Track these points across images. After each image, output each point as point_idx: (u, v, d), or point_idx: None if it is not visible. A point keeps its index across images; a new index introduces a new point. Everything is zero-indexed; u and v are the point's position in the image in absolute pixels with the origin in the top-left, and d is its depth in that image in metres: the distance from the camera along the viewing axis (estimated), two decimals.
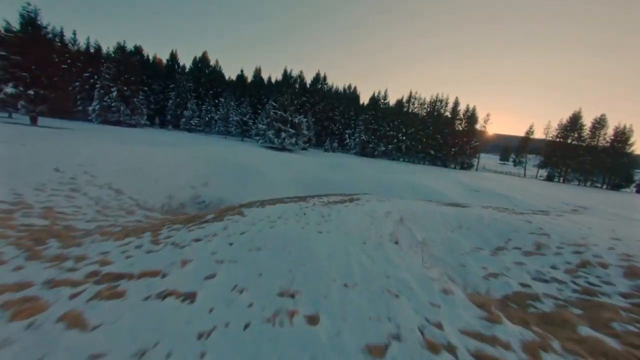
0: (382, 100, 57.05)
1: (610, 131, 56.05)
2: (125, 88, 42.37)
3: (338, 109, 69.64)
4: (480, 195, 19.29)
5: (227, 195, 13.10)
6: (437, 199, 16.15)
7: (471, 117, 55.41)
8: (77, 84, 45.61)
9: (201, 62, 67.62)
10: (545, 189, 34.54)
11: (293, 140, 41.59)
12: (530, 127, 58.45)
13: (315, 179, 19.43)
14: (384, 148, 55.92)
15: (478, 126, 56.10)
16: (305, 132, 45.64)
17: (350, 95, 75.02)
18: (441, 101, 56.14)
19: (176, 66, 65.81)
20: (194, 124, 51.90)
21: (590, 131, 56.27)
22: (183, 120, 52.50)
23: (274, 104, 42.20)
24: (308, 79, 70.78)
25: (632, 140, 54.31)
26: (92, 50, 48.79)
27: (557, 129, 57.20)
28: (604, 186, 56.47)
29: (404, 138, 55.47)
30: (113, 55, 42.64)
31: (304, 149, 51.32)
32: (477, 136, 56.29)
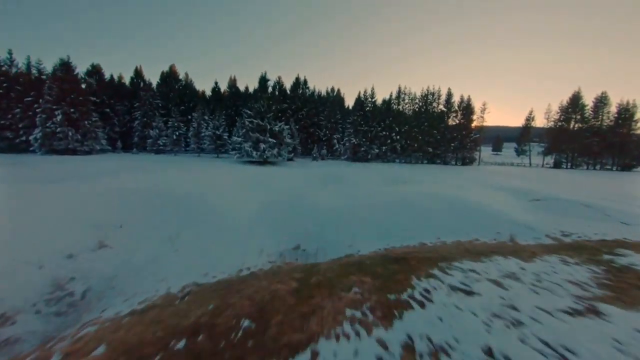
0: (370, 99, 52.32)
1: (613, 109, 52.56)
2: (72, 110, 36.12)
3: (323, 113, 64.74)
4: (551, 208, 13.64)
5: (130, 273, 7.25)
6: (503, 223, 10.76)
7: (467, 108, 51.11)
8: (18, 110, 39.13)
9: (169, 77, 61.90)
10: (585, 180, 29.79)
11: (275, 151, 36.00)
12: (530, 113, 54.62)
13: (300, 206, 13.72)
14: (377, 150, 50.86)
15: (475, 117, 51.81)
16: (289, 140, 40.15)
17: (335, 99, 70.35)
18: (433, 94, 51.77)
19: (141, 83, 59.83)
20: (161, 144, 45.75)
21: (592, 111, 52.70)
22: (149, 140, 46.31)
23: (249, 112, 36.69)
24: (288, 85, 65.79)
25: (637, 116, 50.81)
26: (34, 71, 42.50)
27: (558, 112, 53.47)
28: (614, 168, 52.67)
29: (398, 137, 50.60)
30: (55, 73, 36.45)
31: (289, 159, 45.74)
32: (475, 128, 51.95)
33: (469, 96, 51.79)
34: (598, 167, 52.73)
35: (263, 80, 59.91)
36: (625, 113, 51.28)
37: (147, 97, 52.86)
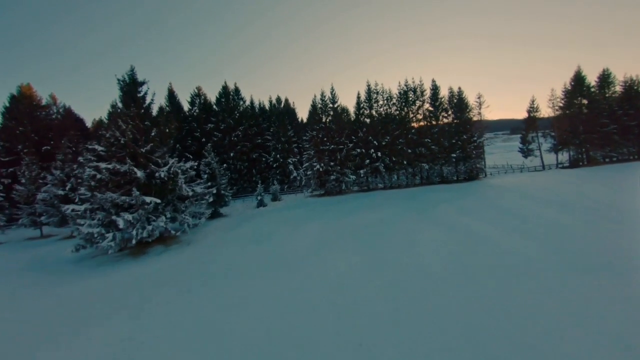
0: (331, 105, 36.23)
1: (618, 88, 43.29)
2: None
3: (269, 131, 47.15)
4: None
5: None
6: None
7: (460, 103, 37.67)
8: None
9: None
10: None
11: (161, 222, 17.23)
12: (533, 102, 43.33)
13: None
14: (353, 177, 34.49)
15: (473, 114, 38.61)
16: (201, 189, 21.65)
17: (283, 111, 53.40)
18: (414, 90, 37.50)
19: None
20: None
21: (597, 89, 42.91)
22: None
23: (96, 147, 17.49)
24: (212, 96, 47.35)
25: None
26: None
27: (562, 99, 42.88)
28: (632, 158, 42.92)
29: (379, 154, 34.93)
30: None
31: (215, 214, 27.19)
32: (475, 128, 38.70)
33: (459, 88, 38.66)
34: (614, 159, 42.84)
35: (129, 85, 40.63)
36: (630, 90, 42.49)
37: None
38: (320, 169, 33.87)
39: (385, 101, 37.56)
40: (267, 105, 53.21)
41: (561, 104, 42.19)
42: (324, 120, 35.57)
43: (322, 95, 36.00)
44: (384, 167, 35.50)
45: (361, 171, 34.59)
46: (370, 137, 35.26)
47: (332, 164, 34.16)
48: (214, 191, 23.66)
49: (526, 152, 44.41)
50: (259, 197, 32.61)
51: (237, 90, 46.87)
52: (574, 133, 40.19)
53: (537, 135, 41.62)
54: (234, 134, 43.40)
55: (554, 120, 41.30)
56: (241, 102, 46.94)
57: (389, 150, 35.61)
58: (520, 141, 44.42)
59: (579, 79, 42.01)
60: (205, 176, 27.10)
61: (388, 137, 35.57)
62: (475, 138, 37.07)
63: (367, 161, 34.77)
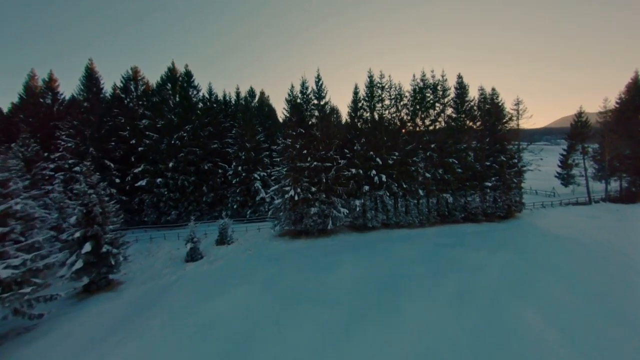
0: (316, 101, 24.31)
1: None
2: None
3: (230, 131, 34.77)
4: None
5: None
6: None
7: (494, 111, 27.05)
8: None
9: None
10: None
11: None
12: (580, 115, 33.48)
13: None
14: (345, 210, 22.80)
15: (511, 125, 28.08)
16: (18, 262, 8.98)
17: (255, 107, 40.97)
18: (434, 87, 26.33)
19: None
20: None
21: None
22: None
23: None
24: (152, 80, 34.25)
25: None
26: None
27: (613, 112, 33.40)
28: None
29: (383, 178, 23.41)
30: None
31: (96, 286, 14.51)
32: (512, 143, 28.17)
33: (493, 90, 28.02)
34: None
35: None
36: None
37: None
38: (296, 197, 21.92)
39: (394, 101, 26.16)
40: (235, 98, 40.65)
41: (610, 117, 32.71)
42: (305, 122, 23.61)
43: (304, 86, 24.07)
44: (390, 197, 24.07)
45: (356, 202, 22.92)
46: (371, 153, 23.71)
47: (313, 189, 22.29)
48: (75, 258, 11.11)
49: (566, 179, 34.65)
50: (190, 243, 20.11)
51: (188, 75, 33.97)
52: (634, 156, 30.66)
53: (584, 158, 31.83)
54: (177, 135, 30.54)
55: (604, 138, 31.67)
56: (193, 92, 34.08)
57: (398, 173, 24.24)
58: (559, 163, 34.71)
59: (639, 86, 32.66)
60: (73, 219, 14.36)
61: (397, 154, 24.18)
62: (516, 160, 26.49)
63: (366, 187, 23.15)
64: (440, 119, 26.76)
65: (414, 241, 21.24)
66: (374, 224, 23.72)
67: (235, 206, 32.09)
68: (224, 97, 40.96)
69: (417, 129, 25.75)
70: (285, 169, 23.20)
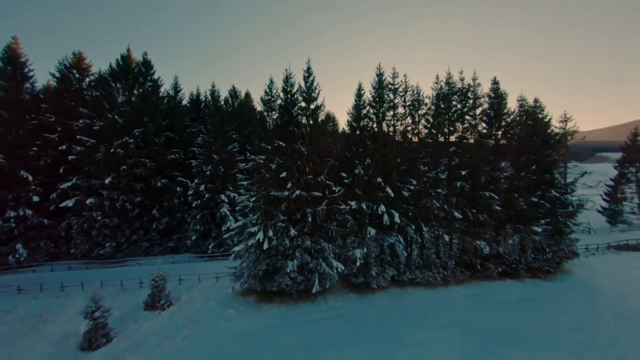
0: (304, 104, 17.24)
1: None
2: None
3: (197, 138, 27.55)
4: None
5: None
6: None
7: (539, 126, 20.50)
8: None
9: None
10: None
11: None
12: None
13: None
14: (339, 265, 15.39)
15: (560, 152, 21.50)
16: None
17: (234, 110, 33.86)
18: (464, 93, 19.62)
19: None
20: None
21: None
22: None
23: None
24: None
25: None
26: None
27: None
28: None
29: (395, 217, 16.20)
30: None
31: None
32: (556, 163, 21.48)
33: (536, 101, 21.57)
34: None
35: None
36: None
37: None
38: (266, 244, 14.51)
39: (410, 108, 19.26)
40: (204, 96, 33.46)
41: None
42: (287, 132, 16.39)
43: (288, 82, 16.98)
44: (403, 243, 16.84)
45: (357, 252, 15.58)
46: (379, 179, 16.58)
47: (293, 231, 14.92)
48: None
49: (613, 216, 28.14)
50: (89, 320, 12.36)
51: (146, 66, 26.74)
52: None
53: None
54: (120, 141, 23.01)
55: None
56: (151, 87, 26.77)
57: (415, 209, 17.14)
58: (604, 195, 28.30)
59: None
60: None
61: (414, 182, 17.13)
62: (574, 198, 19.79)
63: (372, 231, 15.89)
64: (469, 135, 19.98)
65: (442, 320, 13.97)
66: (379, 283, 16.39)
67: (194, 237, 24.44)
68: (197, 96, 33.79)
69: (441, 148, 18.83)
70: (253, 198, 15.87)
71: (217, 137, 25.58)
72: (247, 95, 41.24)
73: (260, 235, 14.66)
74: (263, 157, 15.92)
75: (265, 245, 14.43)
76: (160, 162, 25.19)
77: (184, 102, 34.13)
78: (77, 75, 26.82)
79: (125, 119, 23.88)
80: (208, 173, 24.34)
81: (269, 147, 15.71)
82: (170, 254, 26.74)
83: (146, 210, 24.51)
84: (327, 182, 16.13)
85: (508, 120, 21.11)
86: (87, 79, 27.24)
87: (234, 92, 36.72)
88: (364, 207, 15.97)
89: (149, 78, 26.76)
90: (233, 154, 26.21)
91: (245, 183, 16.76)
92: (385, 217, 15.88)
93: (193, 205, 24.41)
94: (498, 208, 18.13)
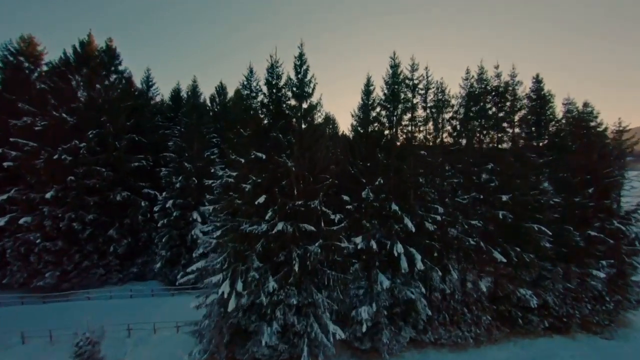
0: (294, 102, 12.90)
1: None
2: None
3: (170, 143, 22.97)
4: None
5: None
6: None
7: (594, 137, 16.14)
8: None
9: None
10: None
11: None
12: None
13: None
14: (337, 330, 10.83)
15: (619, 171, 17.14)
16: None
17: (218, 109, 29.51)
18: (501, 91, 15.28)
19: None
20: None
21: None
22: None
23: None
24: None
25: None
26: None
27: None
28: None
29: (416, 259, 11.71)
30: None
31: None
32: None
33: (586, 105, 17.26)
34: None
35: None
36: None
37: None
38: (234, 302, 10.03)
39: (430, 110, 14.90)
40: (191, 94, 29.00)
41: None
42: (270, 140, 11.95)
43: (273, 69, 12.56)
44: (424, 294, 12.37)
45: (363, 311, 11.09)
46: (393, 206, 12.14)
47: (272, 284, 10.44)
48: None
49: None
50: None
51: (110, 54, 22.26)
52: None
53: None
54: (67, 145, 18.49)
55: None
56: (115, 80, 22.30)
57: (441, 244, 12.72)
58: None
59: None
60: None
61: (440, 210, 12.70)
62: (635, 228, 15.44)
63: (385, 282, 11.41)
64: (504, 146, 15.64)
65: None
66: (392, 350, 11.93)
67: (159, 264, 19.89)
68: (177, 92, 29.34)
69: (473, 164, 14.43)
70: (218, 232, 11.41)
71: (192, 141, 21.15)
72: (238, 92, 36.85)
73: (225, 288, 10.20)
74: (234, 173, 11.47)
75: (232, 305, 9.98)
76: (121, 170, 20.68)
77: (161, 99, 29.84)
78: (26, 64, 22.33)
79: (77, 118, 19.40)
80: (178, 185, 19.83)
81: (242, 161, 11.26)
82: (135, 281, 22.27)
83: (102, 229, 19.97)
84: (324, 209, 11.68)
85: (553, 129, 16.81)
86: (39, 70, 22.78)
87: (221, 89, 32.39)
88: (374, 245, 11.52)
89: (112, 69, 22.31)
90: (210, 162, 21.72)
91: (211, 208, 12.31)
92: (403, 261, 11.45)
93: (159, 224, 19.87)
94: (548, 245, 13.77)
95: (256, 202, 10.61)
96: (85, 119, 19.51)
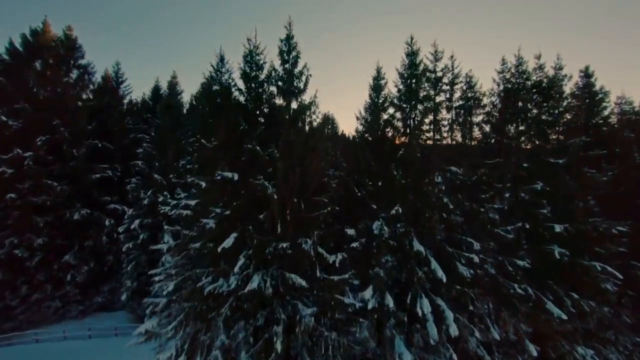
0: (280, 102, 9.63)
1: None
2: None
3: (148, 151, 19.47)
4: None
5: None
6: None
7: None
8: None
9: None
10: None
11: None
12: None
13: None
14: None
15: None
16: None
17: (203, 108, 25.86)
18: (546, 86, 12.03)
19: None
20: None
21: None
22: None
23: None
24: None
25: None
26: None
27: None
28: None
29: (450, 321, 8.41)
30: None
31: None
32: None
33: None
34: None
35: None
36: None
37: None
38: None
39: (456, 111, 11.61)
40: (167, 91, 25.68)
41: None
42: (246, 153, 8.66)
43: (251, 57, 9.27)
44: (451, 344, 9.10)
45: None
46: (415, 244, 8.82)
47: (258, 357, 7.12)
48: None
49: None
50: None
51: (67, 45, 18.86)
52: None
53: None
54: (7, 156, 15.14)
55: None
56: (78, 76, 18.94)
57: (478, 292, 9.44)
58: None
59: None
60: None
61: (477, 247, 9.41)
62: None
63: (406, 357, 8.11)
64: (551, 158, 12.31)
65: None
66: None
67: (126, 295, 16.61)
68: (157, 90, 26.02)
69: (515, 182, 11.13)
70: (170, 286, 8.10)
71: (166, 148, 17.83)
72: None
73: None
74: (193, 202, 8.16)
75: None
76: (80, 183, 17.36)
77: (142, 97, 26.68)
78: None
79: (23, 122, 16.06)
80: (146, 202, 16.51)
81: (203, 184, 7.96)
82: (101, 312, 19.05)
83: (56, 255, 16.69)
84: (319, 250, 8.38)
85: (604, 133, 13.53)
86: None
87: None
88: (390, 302, 8.24)
89: (72, 63, 18.94)
90: (189, 172, 18.38)
91: (165, 248, 8.99)
92: (432, 324, 8.17)
93: (124, 249, 16.58)
94: (609, 287, 10.54)
95: (220, 248, 7.30)
96: (33, 122, 16.17)
